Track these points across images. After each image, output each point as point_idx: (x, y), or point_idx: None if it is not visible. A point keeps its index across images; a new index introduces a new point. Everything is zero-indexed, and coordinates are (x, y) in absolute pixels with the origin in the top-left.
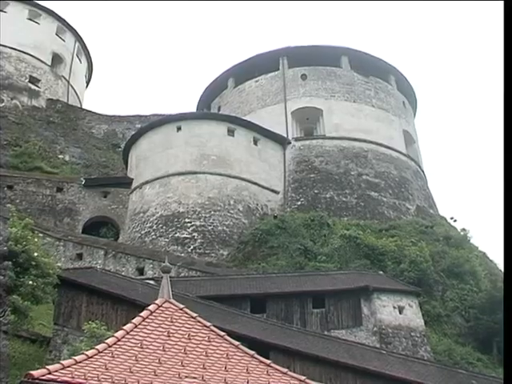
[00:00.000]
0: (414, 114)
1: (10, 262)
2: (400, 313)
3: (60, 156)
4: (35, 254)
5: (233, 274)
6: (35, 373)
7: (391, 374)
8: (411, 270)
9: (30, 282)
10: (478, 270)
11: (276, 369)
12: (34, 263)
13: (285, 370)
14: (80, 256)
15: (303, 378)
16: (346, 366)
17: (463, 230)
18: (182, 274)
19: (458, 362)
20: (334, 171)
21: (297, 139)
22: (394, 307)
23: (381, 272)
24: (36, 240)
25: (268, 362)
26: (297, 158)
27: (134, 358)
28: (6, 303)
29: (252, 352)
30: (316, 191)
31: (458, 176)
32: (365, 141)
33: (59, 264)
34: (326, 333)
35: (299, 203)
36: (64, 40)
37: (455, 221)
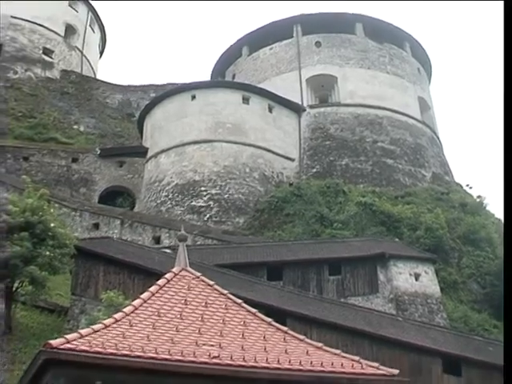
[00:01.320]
0: (429, 81)
1: (26, 233)
2: (416, 280)
3: (75, 126)
4: (52, 225)
5: (249, 241)
6: (54, 342)
7: (407, 340)
8: (427, 236)
9: (47, 253)
10: (494, 237)
11: (293, 336)
12: (50, 234)
13: (302, 337)
14: (96, 226)
15: (320, 344)
16: (363, 333)
17: (479, 196)
18: (198, 243)
19: (473, 328)
20: (349, 138)
21: (312, 106)
22: (410, 274)
23: (397, 239)
24: (52, 211)
25: (285, 329)
26: (312, 126)
27: (151, 326)
28: (23, 274)
29: (269, 319)
30: (331, 158)
31: (473, 143)
32: (380, 108)
33: (76, 234)
34: (342, 300)
35: (314, 170)
36: (77, 11)
37: (471, 188)
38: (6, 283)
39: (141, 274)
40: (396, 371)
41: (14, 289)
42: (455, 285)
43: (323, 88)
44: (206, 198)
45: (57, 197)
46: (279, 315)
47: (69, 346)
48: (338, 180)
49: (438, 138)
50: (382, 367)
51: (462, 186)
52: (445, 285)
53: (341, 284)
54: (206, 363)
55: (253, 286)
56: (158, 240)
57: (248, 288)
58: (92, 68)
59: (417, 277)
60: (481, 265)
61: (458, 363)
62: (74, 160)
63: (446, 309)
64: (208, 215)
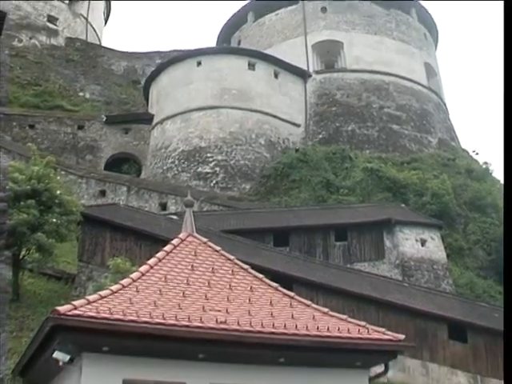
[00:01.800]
0: (436, 47)
1: (33, 201)
2: (422, 246)
3: (80, 94)
4: (58, 192)
5: (255, 207)
6: (61, 309)
7: (413, 306)
8: (433, 202)
9: (54, 220)
10: (500, 203)
11: (299, 301)
12: (57, 201)
13: (308, 302)
14: (103, 193)
15: (326, 310)
16: (369, 299)
17: (485, 163)
18: (205, 209)
19: (479, 295)
20: (355, 104)
21: (317, 72)
22: (417, 240)
23: (403, 205)
24: (58, 178)
25: (291, 294)
26: (318, 92)
27: (158, 292)
28: (30, 241)
29: (275, 284)
30: (337, 124)
31: (480, 109)
32: (386, 73)
33: (82, 201)
34: (348, 266)
35: (321, 136)
36: None
37: (477, 154)
38: (13, 251)
39: (147, 241)
40: (402, 336)
41: (21, 256)
42: (461, 251)
43: (329, 54)
44: (212, 165)
45: (63, 164)
46: (286, 281)
47: (76, 312)
48: (344, 146)
49: (445, 104)
50: (388, 332)
51: (468, 152)
52: (451, 251)
53: (347, 250)
54: (212, 328)
55: (259, 251)
56: (164, 206)
57: (254, 254)
58: (97, 35)
59: (423, 243)
60: (487, 231)
61: (464, 329)
62: (80, 127)
63: (452, 275)
64: (214, 181)
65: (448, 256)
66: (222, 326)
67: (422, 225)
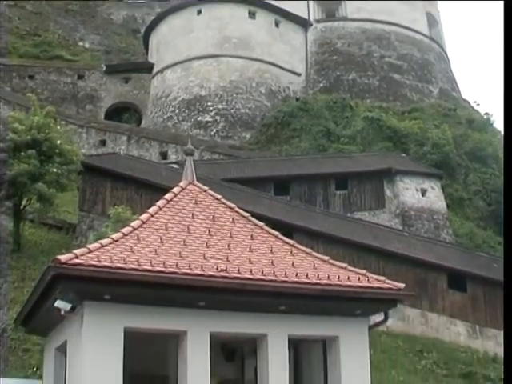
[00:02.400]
0: None
1: (33, 151)
2: (422, 195)
3: (80, 43)
4: (58, 142)
5: (256, 156)
6: (62, 257)
7: (413, 255)
8: (434, 152)
9: (55, 170)
10: (501, 154)
11: (300, 249)
12: (57, 151)
13: (308, 250)
14: (103, 142)
15: (327, 258)
16: (369, 248)
17: (486, 113)
18: (205, 158)
19: (479, 245)
20: (356, 53)
21: (318, 21)
22: (417, 190)
23: (403, 154)
24: (58, 128)
25: (292, 242)
26: (318, 40)
27: (159, 240)
28: (31, 191)
29: (276, 233)
30: (338, 73)
31: (482, 59)
32: (387, 23)
33: (82, 151)
34: (348, 215)
35: (321, 85)
36: None
37: (478, 104)
38: (13, 201)
39: (148, 190)
40: (402, 285)
41: (21, 207)
42: (461, 201)
43: (330, 2)
44: (212, 113)
45: (63, 114)
46: (286, 230)
47: (77, 261)
48: (345, 95)
49: (446, 54)
50: (388, 281)
51: (469, 103)
52: (451, 201)
53: (347, 199)
54: (213, 276)
55: (259, 200)
56: (164, 155)
57: (255, 202)
58: None
59: (423, 192)
60: (487, 182)
61: (463, 279)
62: (80, 77)
63: (452, 225)
64: (215, 130)
65: (448, 206)
66: (223, 273)
67: (423, 174)
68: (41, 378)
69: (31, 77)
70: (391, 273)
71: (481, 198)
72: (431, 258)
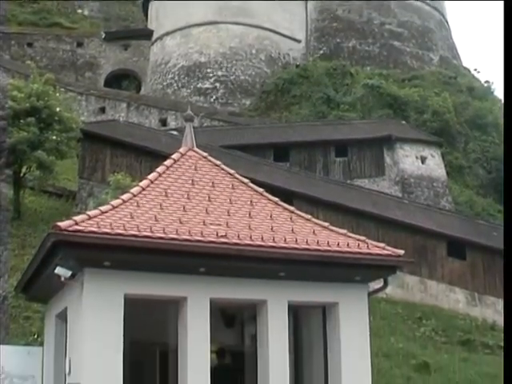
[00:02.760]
0: None
1: (32, 119)
2: (422, 163)
3: (79, 11)
4: (58, 109)
5: (255, 123)
6: (62, 224)
7: (413, 223)
8: (434, 120)
9: (54, 137)
10: (501, 122)
11: (299, 215)
12: (56, 118)
13: (308, 216)
14: (103, 109)
15: (326, 224)
16: (369, 215)
17: (487, 81)
18: (205, 125)
19: (479, 213)
20: (356, 20)
21: None
22: (417, 157)
23: (403, 122)
24: (58, 95)
25: (292, 208)
26: (319, 7)
27: (158, 206)
28: (30, 159)
29: (276, 199)
30: (338, 40)
31: (483, 27)
32: None
33: (82, 118)
34: (348, 182)
35: (321, 52)
36: None
37: (479, 72)
38: (13, 169)
39: (148, 156)
40: (402, 252)
41: (21, 174)
42: (461, 169)
43: None
44: (212, 80)
45: (62, 82)
46: (286, 196)
47: (77, 227)
48: (345, 62)
49: (447, 22)
50: (387, 247)
51: (469, 71)
52: (451, 169)
53: (347, 166)
54: (213, 242)
55: (259, 167)
56: (164, 122)
57: (254, 169)
58: None
59: (423, 160)
60: (487, 150)
61: (463, 247)
62: (79, 44)
63: (452, 193)
64: (214, 97)
65: (448, 174)
66: (223, 239)
67: (423, 142)
68: (42, 345)
69: (30, 44)
70: (390, 240)
71: (481, 165)
72: (431, 225)
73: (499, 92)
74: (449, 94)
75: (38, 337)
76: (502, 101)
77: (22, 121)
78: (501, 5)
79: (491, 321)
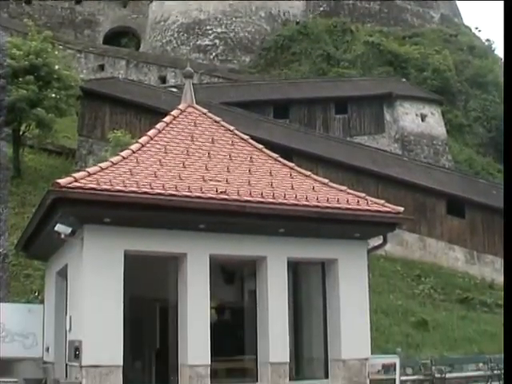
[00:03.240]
0: None
1: (31, 76)
2: (422, 121)
3: None
4: (56, 67)
5: (255, 80)
6: (62, 181)
7: (412, 180)
8: (434, 78)
9: (53, 95)
10: (502, 81)
11: (299, 172)
12: (55, 76)
13: (308, 173)
14: (102, 67)
15: (326, 181)
16: (368, 172)
17: (488, 40)
18: (205, 82)
19: (478, 171)
20: None
21: None
22: (417, 115)
23: (404, 79)
24: (57, 53)
25: (291, 164)
26: None
27: (158, 163)
28: (30, 117)
29: (275, 155)
30: None
31: None
32: None
33: (81, 76)
34: (348, 139)
35: (322, 9)
36: None
37: (480, 31)
38: (12, 127)
39: (147, 114)
40: (401, 209)
41: (21, 132)
42: (461, 127)
43: None
44: (211, 37)
45: (61, 39)
46: (285, 153)
47: (77, 184)
48: (345, 19)
49: None
50: (387, 204)
51: (470, 29)
52: (451, 127)
53: (347, 123)
54: (212, 198)
55: (259, 123)
56: (163, 80)
57: (254, 126)
58: None
59: (423, 118)
60: (487, 108)
61: (462, 205)
62: (78, 1)
63: (452, 151)
64: (214, 54)
65: (448, 132)
66: (222, 196)
67: (423, 100)
68: (42, 302)
69: (28, 2)
70: (390, 197)
71: (481, 124)
72: (430, 183)
73: (500, 51)
74: (449, 52)
75: (38, 294)
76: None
77: (20, 79)
78: None
79: (490, 279)
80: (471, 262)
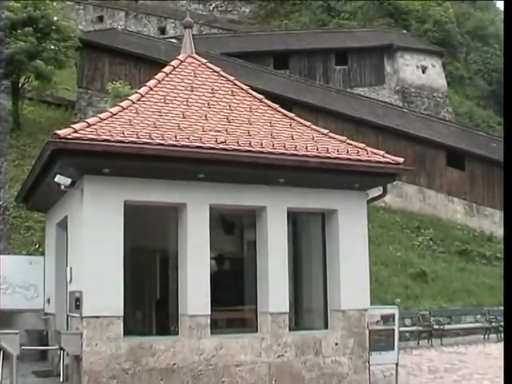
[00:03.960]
0: None
1: (30, 28)
2: (423, 72)
3: None
4: (55, 19)
5: (255, 30)
6: (61, 132)
7: (412, 132)
8: (435, 30)
9: (52, 47)
10: (503, 34)
11: (299, 122)
12: (54, 28)
13: (308, 123)
14: (100, 18)
15: (326, 131)
16: (368, 123)
17: None
18: (204, 33)
19: (478, 124)
20: None
21: None
22: (417, 66)
23: (404, 31)
24: (55, 4)
25: (291, 115)
26: None
27: (158, 113)
28: (29, 69)
29: (275, 105)
30: None
31: None
32: None
33: (80, 27)
34: (348, 90)
35: None
36: None
37: None
38: (12, 79)
39: (147, 65)
40: (401, 159)
41: (20, 85)
42: (462, 80)
43: None
44: None
45: None
46: (285, 104)
47: (76, 135)
48: None
49: None
50: (387, 155)
51: None
52: (451, 79)
53: (347, 74)
54: (212, 148)
55: (259, 74)
56: (163, 31)
57: (255, 77)
58: None
59: (424, 69)
60: (488, 61)
61: (462, 157)
62: None
63: (452, 103)
64: (213, 4)
65: (448, 84)
66: (222, 146)
67: (424, 51)
68: (43, 254)
69: None
70: (390, 149)
71: (481, 77)
72: (430, 135)
73: (501, 3)
74: (450, 4)
75: (39, 246)
76: None
77: (19, 31)
78: None
79: (489, 232)
80: (470, 214)
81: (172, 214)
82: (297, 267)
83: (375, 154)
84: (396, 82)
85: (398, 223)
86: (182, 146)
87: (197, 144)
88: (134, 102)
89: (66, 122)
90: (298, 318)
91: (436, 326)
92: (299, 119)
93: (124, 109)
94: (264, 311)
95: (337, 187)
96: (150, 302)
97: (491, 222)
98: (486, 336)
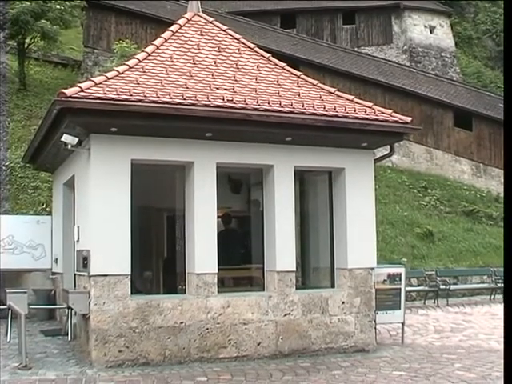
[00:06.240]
0: None
1: None
2: (431, 32)
3: None
4: None
5: None
6: (68, 91)
7: (420, 92)
8: None
9: (58, 6)
10: None
11: (306, 80)
12: None
13: (315, 81)
14: None
15: (333, 90)
16: (376, 83)
17: None
18: None
19: (486, 85)
20: None
21: None
22: (425, 26)
23: None
24: None
25: (298, 73)
26: None
27: (164, 71)
28: (34, 29)
29: (283, 64)
30: None
31: None
32: None
33: None
34: (356, 49)
35: None
36: None
37: None
38: (17, 40)
39: (153, 24)
40: (408, 119)
41: (26, 45)
42: (470, 40)
43: None
44: None
45: None
46: (292, 63)
47: (83, 94)
48: None
49: None
50: (394, 114)
51: None
52: (459, 39)
53: (355, 33)
54: (219, 107)
55: (266, 33)
56: None
57: (261, 36)
58: None
59: (432, 29)
60: (497, 21)
61: (469, 117)
62: None
63: (460, 63)
64: None
65: (456, 44)
66: (229, 104)
67: (432, 11)
68: (50, 214)
69: None
70: (397, 108)
71: (490, 37)
72: (438, 95)
73: None
74: None
75: (46, 206)
76: None
77: None
78: None
79: (495, 193)
80: (477, 174)
81: (179, 172)
82: (304, 226)
83: (383, 112)
84: (404, 42)
85: (405, 183)
86: (189, 104)
87: (204, 102)
88: (140, 61)
89: (73, 82)
90: (305, 276)
91: (442, 286)
92: (306, 77)
93: (131, 67)
94: (271, 270)
95: (344, 146)
96: (157, 260)
97: (498, 183)
98: (492, 296)
